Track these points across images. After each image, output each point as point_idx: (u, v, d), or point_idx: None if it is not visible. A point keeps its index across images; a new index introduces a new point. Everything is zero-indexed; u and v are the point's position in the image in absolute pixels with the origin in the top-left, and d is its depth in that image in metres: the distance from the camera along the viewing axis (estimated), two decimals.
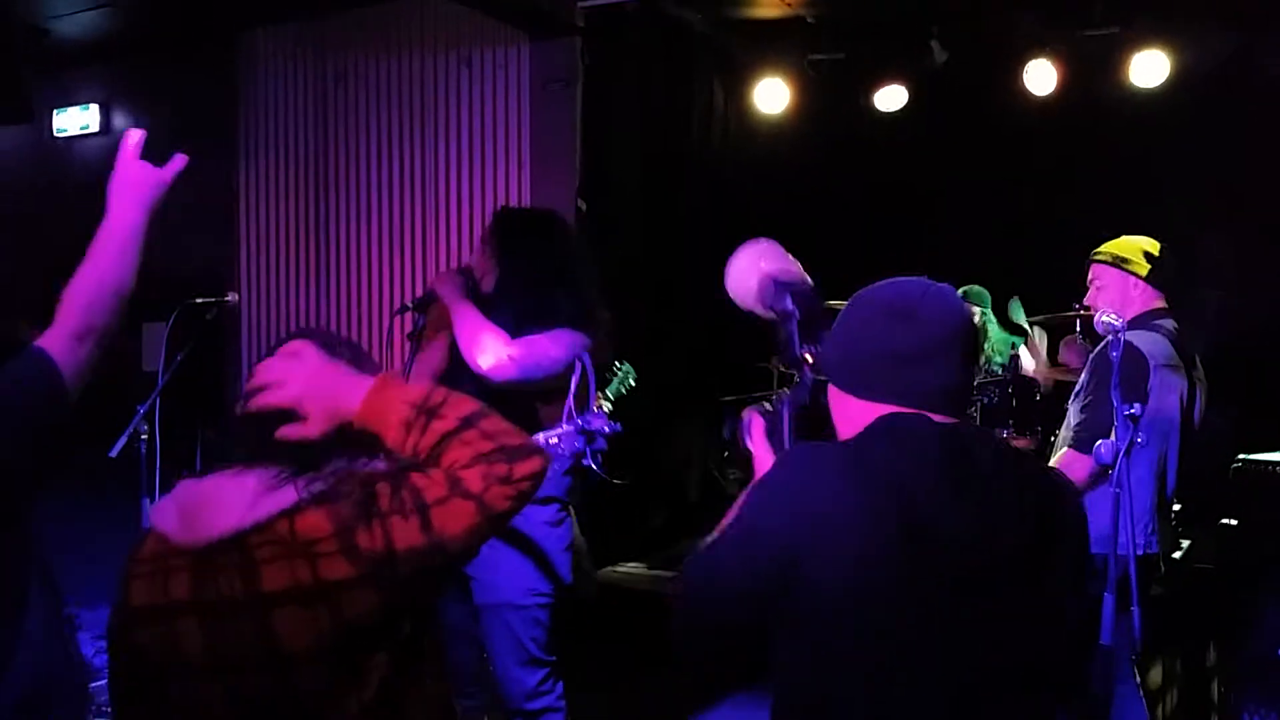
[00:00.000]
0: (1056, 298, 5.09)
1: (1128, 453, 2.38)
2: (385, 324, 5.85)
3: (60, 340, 1.97)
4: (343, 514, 1.50)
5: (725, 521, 1.65)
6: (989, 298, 5.63)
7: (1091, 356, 3.14)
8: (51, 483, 2.06)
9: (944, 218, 5.84)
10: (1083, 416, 3.02)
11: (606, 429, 2.54)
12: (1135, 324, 3.12)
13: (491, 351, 2.91)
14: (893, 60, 6.07)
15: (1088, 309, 4.69)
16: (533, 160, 5.60)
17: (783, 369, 5.64)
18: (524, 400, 2.99)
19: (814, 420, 1.79)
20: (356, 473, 1.56)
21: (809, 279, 2.11)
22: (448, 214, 5.83)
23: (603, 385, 3.32)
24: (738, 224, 6.70)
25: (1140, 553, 3.01)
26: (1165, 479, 3.16)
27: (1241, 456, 3.55)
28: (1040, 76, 5.62)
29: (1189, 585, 3.85)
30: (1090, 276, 3.38)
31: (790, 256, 2.14)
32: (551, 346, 2.92)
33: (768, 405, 1.88)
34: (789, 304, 1.95)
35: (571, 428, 2.59)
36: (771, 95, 6.14)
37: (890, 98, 6.04)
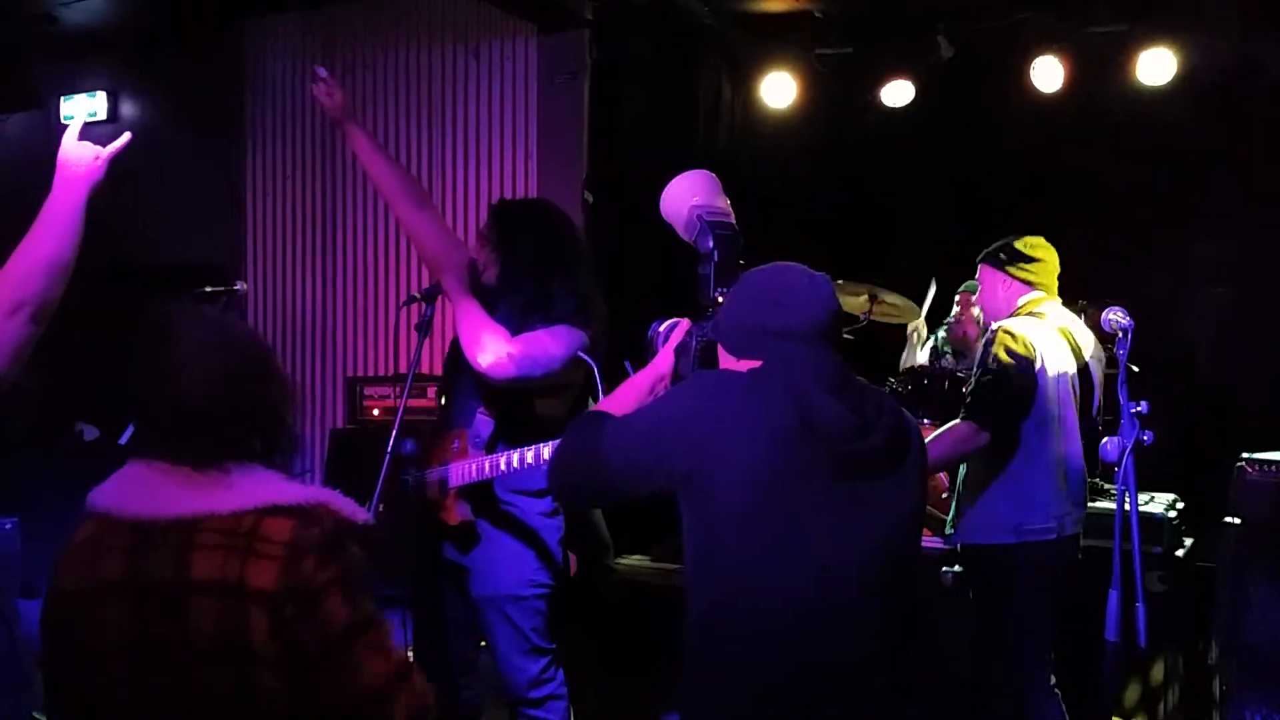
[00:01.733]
0: (1061, 293, 5.10)
1: (1134, 451, 2.39)
2: (392, 313, 5.90)
3: None
4: (305, 535, 1.50)
5: (641, 378, 2.11)
6: None
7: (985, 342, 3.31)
8: None
9: (949, 213, 5.83)
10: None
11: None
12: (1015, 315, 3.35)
13: (491, 350, 2.91)
14: (900, 55, 6.06)
15: (1089, 305, 4.72)
16: (540, 153, 5.61)
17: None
18: (523, 398, 3.01)
19: (714, 359, 2.04)
20: (337, 511, 1.55)
21: (733, 221, 2.28)
22: (455, 206, 5.84)
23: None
24: (744, 217, 6.73)
25: (1052, 537, 3.10)
26: (1066, 464, 3.23)
27: (1244, 455, 3.56)
28: (1047, 73, 5.61)
29: (1191, 583, 3.87)
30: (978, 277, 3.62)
31: (723, 195, 2.31)
32: (552, 344, 2.93)
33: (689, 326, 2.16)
34: (710, 243, 2.18)
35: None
36: (778, 89, 6.13)
37: (897, 93, 6.03)
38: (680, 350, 2.12)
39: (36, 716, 2.64)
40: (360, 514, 1.58)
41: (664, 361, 2.14)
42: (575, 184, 5.42)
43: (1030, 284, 3.40)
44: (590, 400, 2.78)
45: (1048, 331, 3.28)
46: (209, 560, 1.48)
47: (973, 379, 3.24)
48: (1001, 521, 3.14)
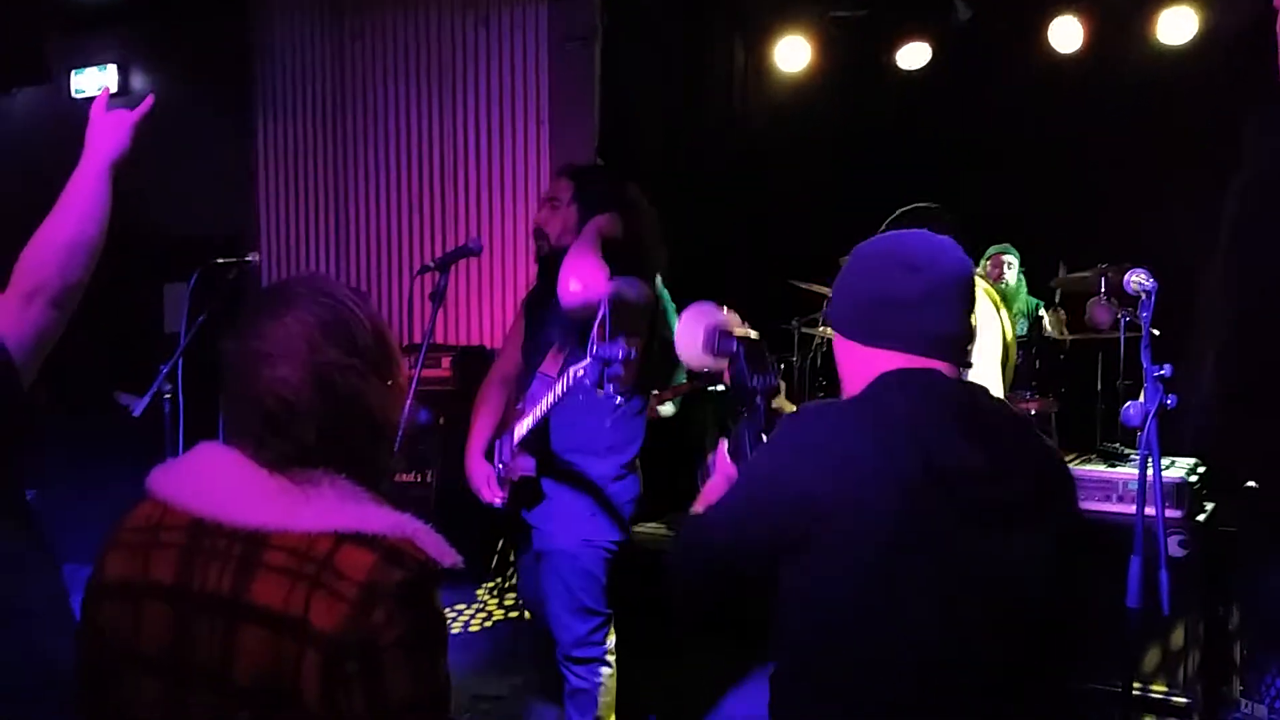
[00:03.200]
0: (1081, 256, 5.05)
1: (1157, 415, 2.36)
2: (406, 283, 5.88)
3: (5, 304, 1.92)
4: (386, 576, 1.28)
5: (711, 489, 1.85)
6: (1019, 256, 5.59)
7: None
8: (16, 450, 1.95)
9: (966, 177, 5.77)
10: None
11: (620, 354, 2.60)
12: None
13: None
14: (915, 17, 5.98)
15: (1109, 268, 4.67)
16: (551, 120, 5.57)
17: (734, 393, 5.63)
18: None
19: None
20: (423, 551, 1.33)
21: (740, 324, 2.24)
22: (466, 173, 5.81)
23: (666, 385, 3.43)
24: (758, 183, 6.70)
25: None
26: None
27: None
28: (1065, 33, 5.54)
29: (1212, 548, 3.84)
30: None
31: (723, 310, 2.28)
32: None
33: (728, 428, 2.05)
34: (733, 345, 2.10)
35: (592, 359, 2.64)
36: (792, 53, 6.06)
37: (913, 55, 5.96)
38: (733, 452, 1.97)
39: None
40: (449, 556, 1.35)
41: (725, 471, 1.93)
42: (587, 151, 5.37)
43: None
44: (605, 334, 2.80)
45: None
46: (273, 584, 1.28)
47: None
48: None
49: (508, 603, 5.05)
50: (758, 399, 2.01)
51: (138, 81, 6.73)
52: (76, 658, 1.44)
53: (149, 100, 2.16)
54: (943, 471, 1.56)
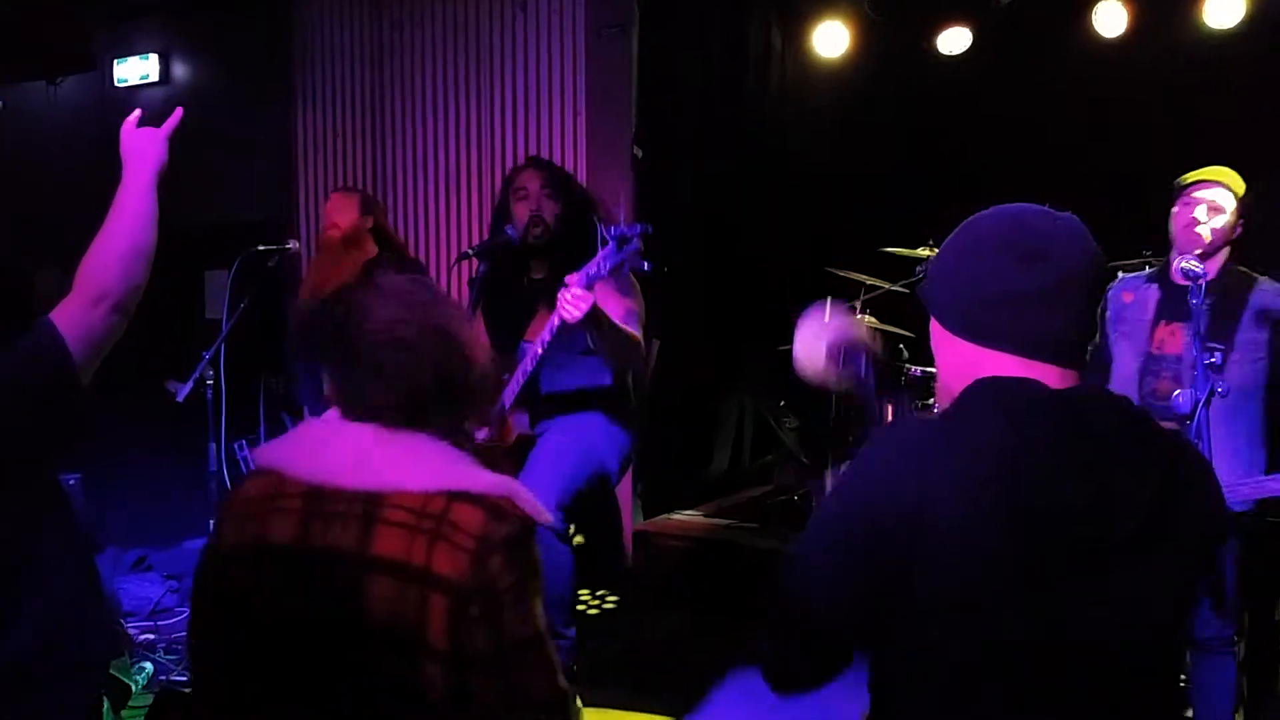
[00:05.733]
0: (1125, 245, 4.98)
1: (1207, 403, 2.32)
2: (445, 269, 5.90)
3: (72, 308, 2.02)
4: (495, 530, 1.43)
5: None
6: None
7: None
8: (68, 446, 2.10)
9: (1008, 164, 5.70)
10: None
11: (637, 229, 2.67)
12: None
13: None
14: (956, 3, 5.91)
15: (1153, 257, 4.60)
16: (588, 107, 5.56)
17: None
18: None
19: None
20: (523, 508, 1.48)
21: (871, 338, 2.08)
22: (504, 160, 5.81)
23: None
24: (796, 171, 6.66)
25: None
26: None
27: None
28: (1110, 17, 5.44)
29: (1261, 539, 3.77)
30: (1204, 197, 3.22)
31: (855, 316, 2.10)
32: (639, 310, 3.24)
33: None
34: (862, 366, 1.95)
35: (605, 249, 2.72)
36: (831, 39, 6.00)
37: (953, 40, 5.89)
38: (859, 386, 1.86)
39: (114, 674, 2.69)
40: (543, 514, 1.51)
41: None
42: (624, 138, 5.36)
43: None
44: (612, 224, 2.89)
45: None
46: (394, 538, 1.41)
47: None
48: None
49: None
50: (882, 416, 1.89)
51: (179, 71, 6.79)
52: (191, 624, 1.57)
53: (178, 113, 2.30)
54: (1032, 511, 1.35)
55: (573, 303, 2.75)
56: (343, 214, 4.47)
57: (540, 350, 3.07)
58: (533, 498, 1.51)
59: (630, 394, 3.43)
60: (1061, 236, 1.45)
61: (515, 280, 3.39)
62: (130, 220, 2.11)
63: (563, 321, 2.79)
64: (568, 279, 2.79)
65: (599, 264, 2.74)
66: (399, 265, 4.77)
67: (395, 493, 1.44)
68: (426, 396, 1.50)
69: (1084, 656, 1.39)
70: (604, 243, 2.73)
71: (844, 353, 1.96)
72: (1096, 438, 1.39)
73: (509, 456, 3.24)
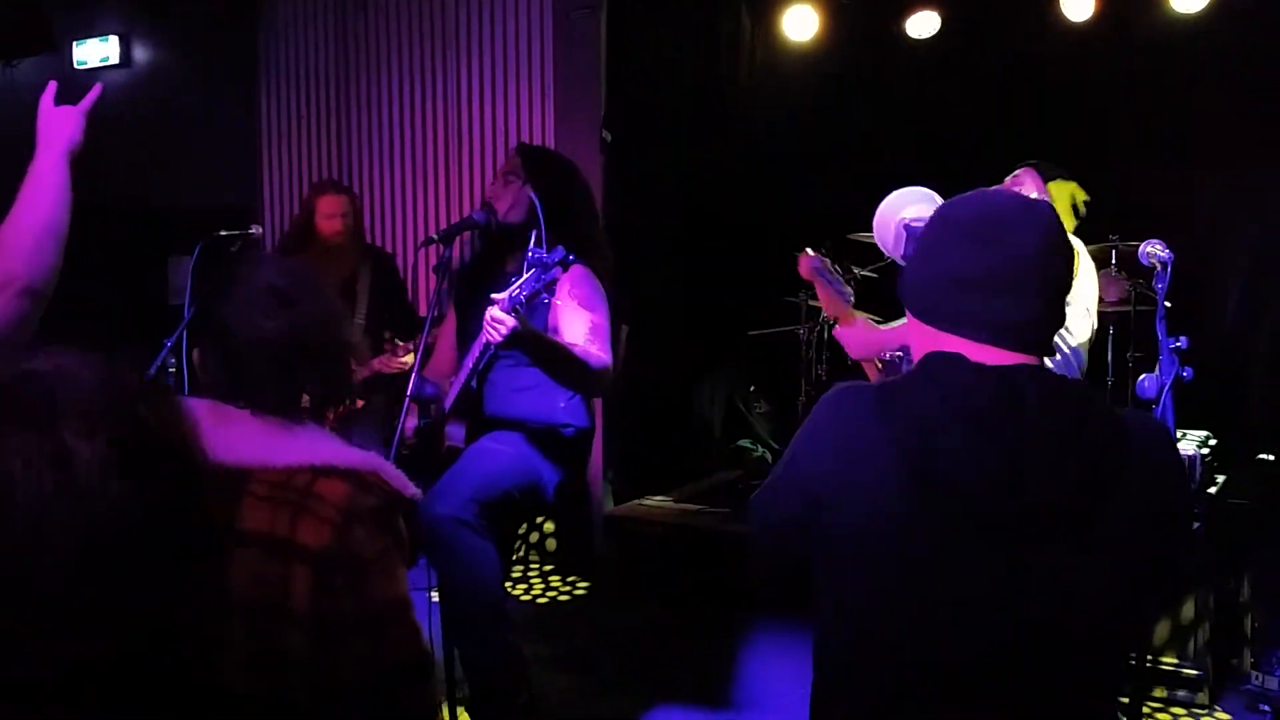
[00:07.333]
0: (1092, 229, 4.99)
1: (1172, 387, 2.33)
2: (410, 255, 5.85)
3: None
4: (360, 501, 1.48)
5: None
6: None
7: None
8: None
9: (976, 147, 5.70)
10: None
11: (557, 256, 2.64)
12: None
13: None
14: None
15: (1120, 240, 4.62)
16: (556, 89, 5.51)
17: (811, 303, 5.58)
18: None
19: None
20: (389, 482, 1.53)
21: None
22: (470, 144, 5.76)
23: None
24: (765, 154, 6.64)
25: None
26: None
27: None
28: (1077, 2, 5.46)
29: (1224, 520, 3.82)
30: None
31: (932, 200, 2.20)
32: (603, 323, 3.07)
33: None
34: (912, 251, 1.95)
35: (529, 275, 2.68)
36: (800, 22, 5.99)
37: (922, 24, 5.89)
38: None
39: None
40: (409, 488, 1.56)
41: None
42: (592, 121, 5.32)
43: None
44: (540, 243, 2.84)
45: None
46: (258, 511, 1.46)
47: None
48: None
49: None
50: None
51: (140, 53, 6.68)
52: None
53: (97, 89, 2.20)
54: (937, 477, 1.40)
55: (491, 324, 2.69)
56: (342, 217, 4.60)
57: (471, 364, 3.03)
58: (400, 474, 1.56)
59: (582, 433, 3.25)
60: (1019, 222, 1.45)
61: (486, 270, 3.30)
62: (39, 202, 2.00)
63: (488, 342, 2.76)
64: (494, 297, 2.72)
65: (521, 288, 2.68)
66: (374, 259, 4.79)
67: (260, 468, 1.48)
68: (297, 386, 1.57)
69: (999, 631, 1.41)
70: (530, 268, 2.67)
71: (906, 233, 2.10)
72: (1025, 416, 1.40)
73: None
